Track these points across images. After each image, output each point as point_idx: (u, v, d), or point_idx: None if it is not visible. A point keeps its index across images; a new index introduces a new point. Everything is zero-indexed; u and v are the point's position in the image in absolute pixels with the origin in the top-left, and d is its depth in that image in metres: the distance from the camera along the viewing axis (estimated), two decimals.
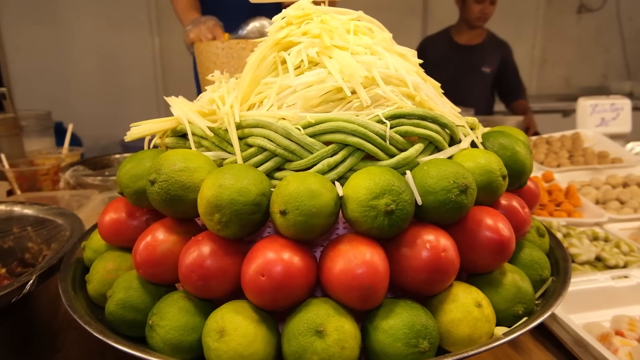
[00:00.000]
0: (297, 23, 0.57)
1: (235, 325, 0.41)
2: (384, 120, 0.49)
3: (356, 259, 0.41)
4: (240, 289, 0.46)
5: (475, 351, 0.40)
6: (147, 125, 0.56)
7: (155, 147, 0.61)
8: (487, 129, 0.59)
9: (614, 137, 1.43)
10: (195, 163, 0.48)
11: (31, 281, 0.55)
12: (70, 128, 1.48)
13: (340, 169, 0.48)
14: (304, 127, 0.49)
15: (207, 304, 0.47)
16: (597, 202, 1.12)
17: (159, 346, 0.44)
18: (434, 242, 0.44)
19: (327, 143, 0.49)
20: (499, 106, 2.55)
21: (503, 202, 0.53)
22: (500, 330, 0.45)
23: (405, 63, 0.56)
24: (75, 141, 2.42)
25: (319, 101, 0.51)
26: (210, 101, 0.56)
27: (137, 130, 0.55)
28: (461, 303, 0.45)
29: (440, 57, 2.30)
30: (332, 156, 0.48)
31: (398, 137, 0.49)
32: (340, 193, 0.44)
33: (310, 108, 0.51)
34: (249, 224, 0.44)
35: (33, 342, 0.63)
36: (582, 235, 0.93)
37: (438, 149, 0.52)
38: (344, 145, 0.49)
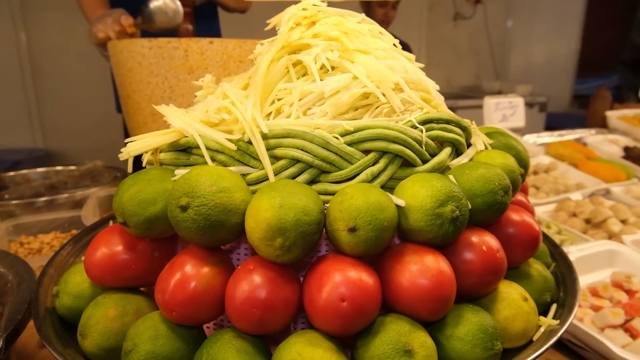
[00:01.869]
0: (305, 24, 0.53)
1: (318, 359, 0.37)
2: (417, 125, 0.48)
3: (430, 269, 0.40)
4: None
5: (548, 344, 0.42)
6: (145, 140, 0.47)
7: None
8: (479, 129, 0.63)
9: (513, 131, 1.63)
10: (231, 182, 0.42)
11: None
12: None
13: (383, 177, 0.47)
14: (342, 136, 0.46)
15: (261, 341, 0.41)
16: None
17: None
18: (488, 243, 0.45)
19: (364, 151, 0.47)
20: None
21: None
22: (543, 320, 0.48)
23: (415, 67, 0.56)
24: None
25: (347, 108, 0.49)
26: (219, 110, 0.49)
27: (135, 146, 0.47)
28: (512, 300, 0.46)
29: None
30: (373, 165, 0.46)
31: (431, 142, 0.49)
32: (401, 203, 0.42)
33: (339, 115, 0.49)
34: (310, 245, 0.40)
35: None
36: None
37: (458, 151, 0.53)
38: (383, 152, 0.47)
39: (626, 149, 1.52)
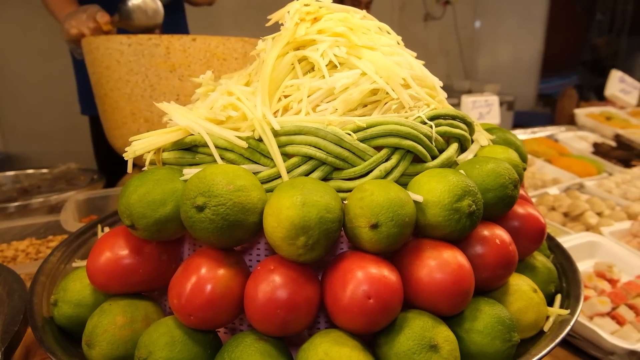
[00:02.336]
0: (308, 20, 0.52)
1: (346, 359, 0.36)
2: (427, 121, 0.49)
3: (450, 264, 0.40)
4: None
5: (564, 333, 0.43)
6: (150, 139, 0.45)
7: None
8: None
9: None
10: (247, 180, 0.41)
11: None
12: None
13: (395, 173, 0.46)
14: (354, 132, 0.46)
15: (281, 343, 0.40)
16: None
17: None
18: (501, 237, 0.45)
19: (376, 147, 0.47)
20: None
21: None
22: (553, 310, 0.49)
23: (419, 63, 0.56)
24: None
25: (357, 104, 0.48)
26: (225, 107, 0.48)
27: (140, 144, 0.44)
28: (522, 291, 0.47)
29: None
30: (386, 161, 0.46)
31: (439, 137, 0.49)
32: (419, 199, 0.42)
33: (348, 112, 0.48)
34: (332, 243, 0.39)
35: None
36: None
37: (462, 147, 0.54)
38: (395, 148, 0.47)
39: (595, 145, 1.59)
